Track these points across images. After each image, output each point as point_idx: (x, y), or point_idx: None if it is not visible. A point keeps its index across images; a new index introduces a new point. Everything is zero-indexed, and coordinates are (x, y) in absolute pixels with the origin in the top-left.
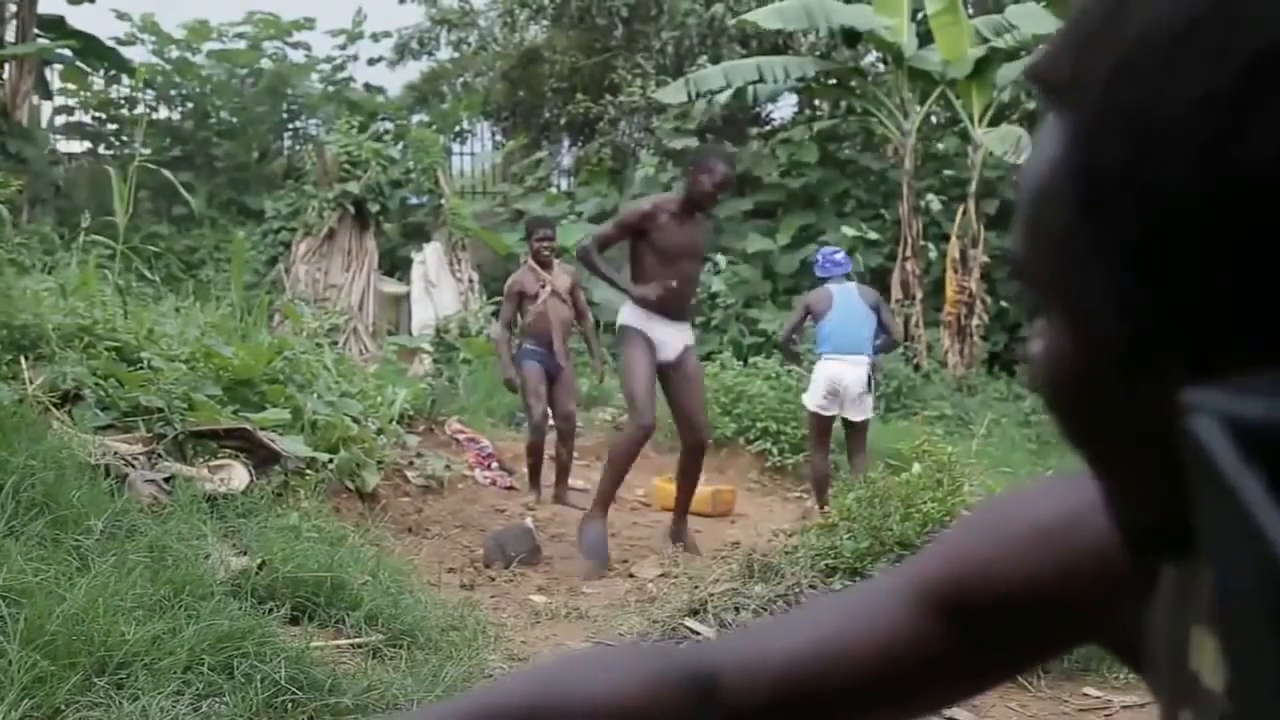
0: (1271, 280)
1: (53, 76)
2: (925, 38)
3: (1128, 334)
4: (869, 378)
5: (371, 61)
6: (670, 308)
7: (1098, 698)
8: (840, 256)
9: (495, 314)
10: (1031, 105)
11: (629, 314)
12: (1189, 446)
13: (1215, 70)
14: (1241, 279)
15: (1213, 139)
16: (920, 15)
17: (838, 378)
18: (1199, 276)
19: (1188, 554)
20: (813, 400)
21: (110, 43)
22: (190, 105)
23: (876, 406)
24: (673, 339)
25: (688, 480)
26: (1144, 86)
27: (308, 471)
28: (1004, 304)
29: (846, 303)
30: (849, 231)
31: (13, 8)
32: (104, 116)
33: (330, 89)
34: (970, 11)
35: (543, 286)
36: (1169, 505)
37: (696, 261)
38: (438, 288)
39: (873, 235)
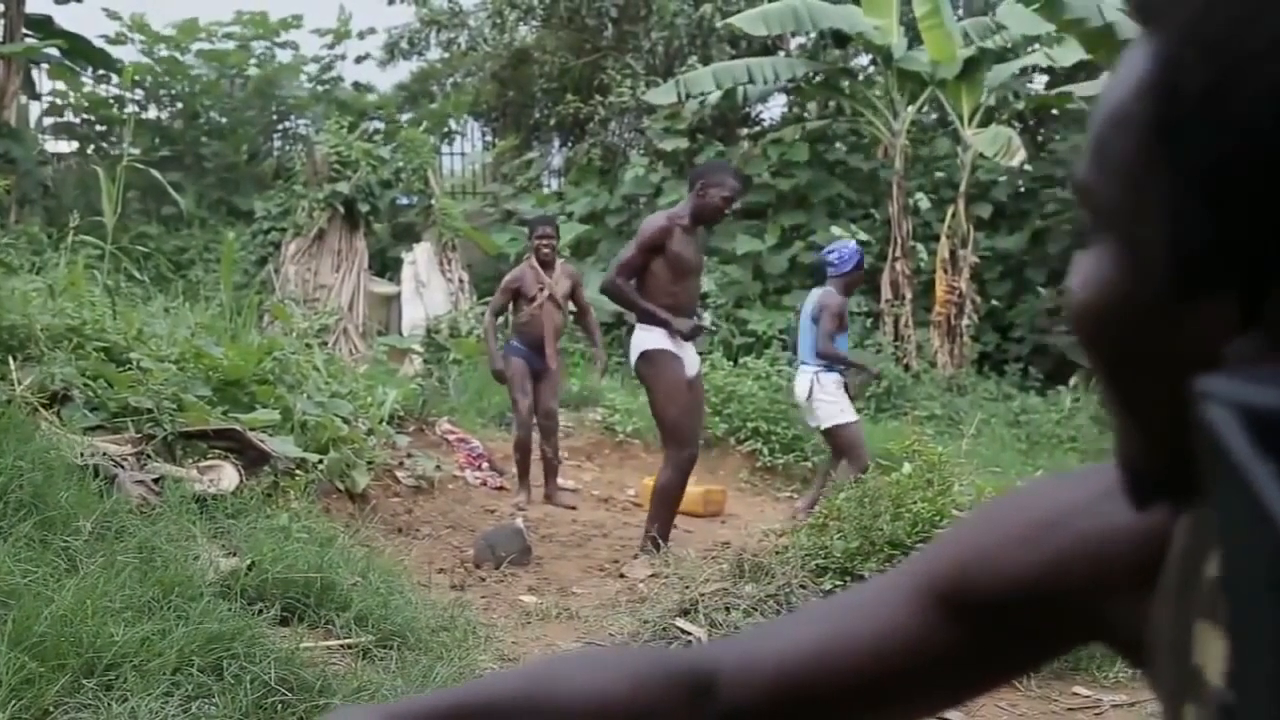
0: None
1: (40, 77)
2: (915, 39)
3: (1184, 265)
4: (809, 388)
5: (359, 59)
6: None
7: (1088, 696)
8: (831, 256)
9: (488, 305)
10: (1020, 106)
11: (657, 337)
12: (1202, 434)
13: None
14: None
15: None
16: (909, 17)
17: (793, 385)
18: (1265, 213)
19: (1186, 503)
20: None
21: (99, 42)
22: (179, 105)
23: (864, 409)
24: (693, 356)
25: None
26: (1238, 13)
27: (297, 472)
28: (994, 304)
29: (805, 309)
30: (838, 231)
31: (0, 7)
32: (92, 118)
33: (319, 89)
34: (960, 14)
35: (540, 289)
36: (1183, 450)
37: (699, 276)
38: (428, 288)
39: (862, 235)
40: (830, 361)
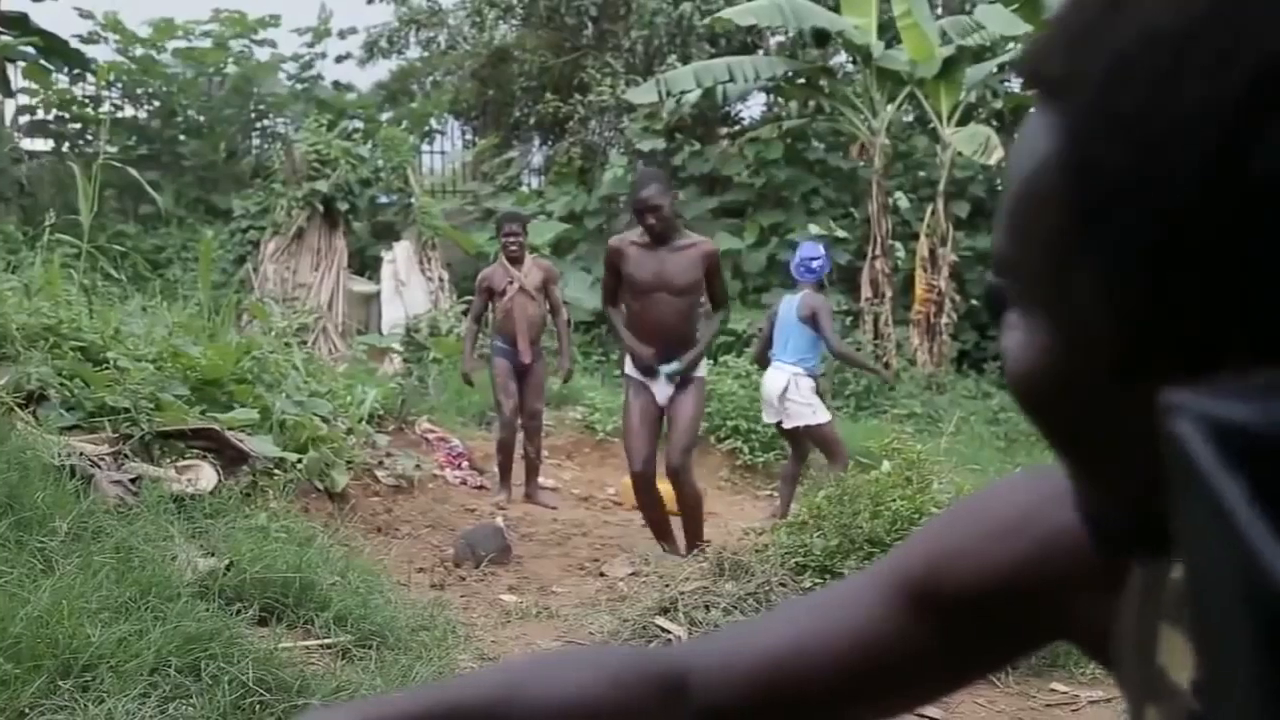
0: (1274, 294)
1: (15, 74)
2: (895, 38)
3: (1122, 339)
4: (784, 386)
5: (339, 59)
6: (656, 348)
7: (1065, 693)
8: (816, 264)
9: (465, 312)
10: (998, 105)
11: (628, 363)
12: (1169, 448)
13: (1221, 76)
14: (1244, 289)
15: (1220, 145)
16: (889, 16)
17: (763, 383)
18: (1200, 285)
19: (1157, 555)
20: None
21: (73, 41)
22: (156, 104)
23: (843, 408)
24: (663, 386)
25: (679, 498)
26: (1146, 89)
27: (276, 471)
28: (973, 302)
29: (785, 311)
30: (816, 230)
31: None
32: (67, 115)
33: (299, 87)
34: (939, 12)
35: (510, 283)
36: (1144, 507)
37: (672, 294)
38: (408, 287)
39: (841, 233)
40: (845, 363)
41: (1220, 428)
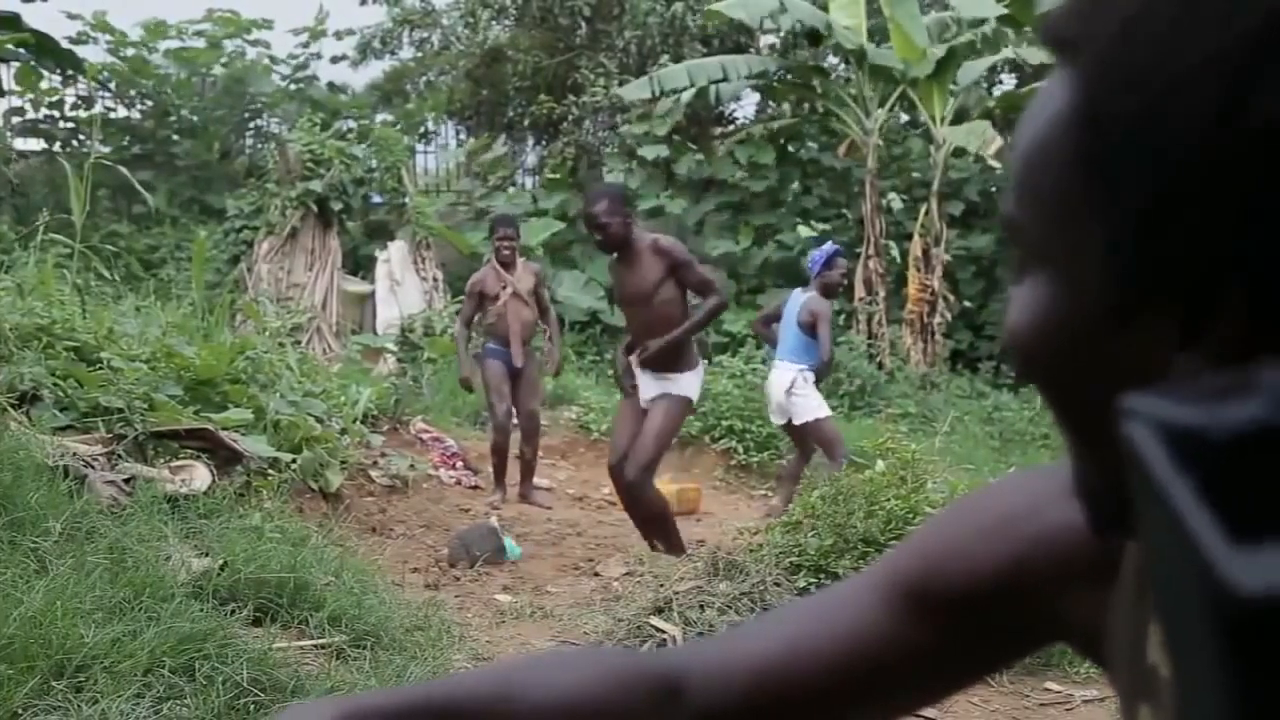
0: (1273, 242)
1: (8, 75)
2: (886, 38)
3: (1121, 292)
4: (790, 384)
5: (335, 60)
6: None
7: (1059, 692)
8: (808, 259)
9: (459, 313)
10: (991, 103)
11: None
12: (1126, 451)
13: (1229, 27)
14: (1242, 239)
15: (1225, 95)
16: (881, 17)
17: (768, 385)
18: (1199, 235)
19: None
20: None
21: (63, 43)
22: (149, 104)
23: (838, 407)
24: (644, 389)
25: (632, 515)
26: (1157, 41)
27: (270, 472)
28: (966, 303)
29: (789, 310)
30: (805, 231)
31: None
32: (58, 115)
33: (293, 87)
34: (931, 12)
35: (504, 288)
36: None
37: (640, 303)
38: (402, 286)
39: (824, 228)
40: (824, 370)
41: (1173, 432)
